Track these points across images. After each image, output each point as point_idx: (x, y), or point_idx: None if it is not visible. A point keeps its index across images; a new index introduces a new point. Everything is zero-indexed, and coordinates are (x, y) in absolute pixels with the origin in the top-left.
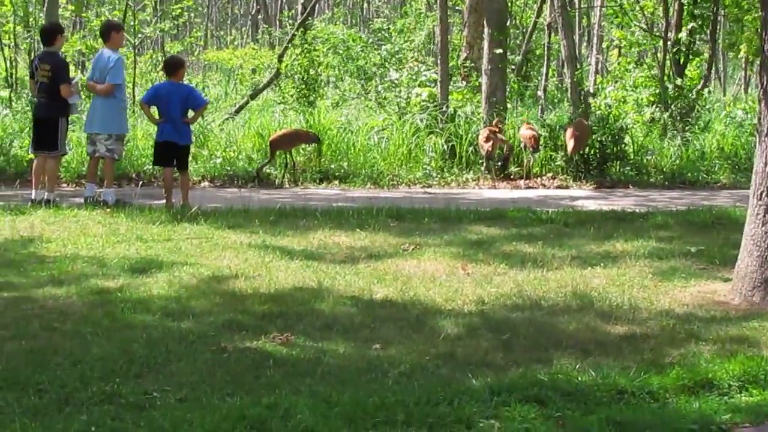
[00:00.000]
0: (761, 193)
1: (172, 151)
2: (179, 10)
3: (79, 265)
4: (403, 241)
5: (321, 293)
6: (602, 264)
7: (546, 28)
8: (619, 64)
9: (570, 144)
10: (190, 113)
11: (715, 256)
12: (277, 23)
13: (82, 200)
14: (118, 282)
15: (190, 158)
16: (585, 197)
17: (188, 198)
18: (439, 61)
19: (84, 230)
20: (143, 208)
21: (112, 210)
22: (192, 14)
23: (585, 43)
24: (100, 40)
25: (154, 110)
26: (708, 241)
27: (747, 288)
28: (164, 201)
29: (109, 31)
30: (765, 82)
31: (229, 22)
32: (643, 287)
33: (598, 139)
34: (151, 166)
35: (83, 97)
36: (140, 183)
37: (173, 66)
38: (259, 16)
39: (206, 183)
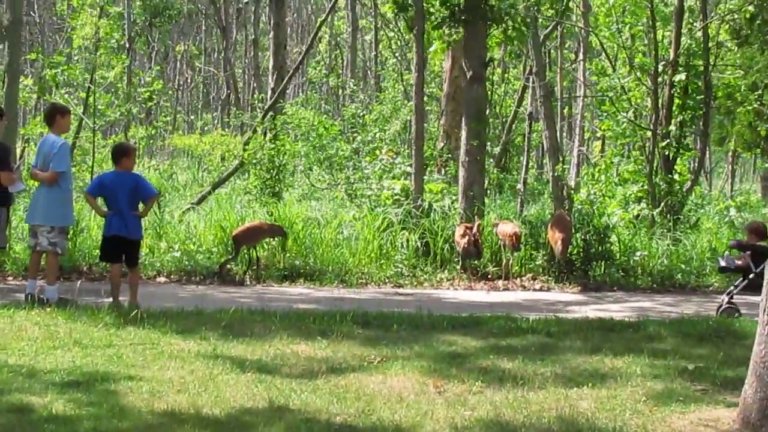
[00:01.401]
0: None
1: (120, 246)
2: (147, 94)
3: (4, 376)
4: (368, 352)
5: (272, 416)
6: (590, 383)
7: (527, 117)
8: (602, 156)
9: (558, 248)
10: (141, 205)
11: (715, 376)
12: (249, 107)
13: (23, 296)
14: (45, 398)
15: (141, 253)
16: (569, 302)
17: (137, 297)
18: (413, 152)
19: (18, 333)
20: (87, 307)
21: (52, 309)
22: (161, 98)
23: (566, 134)
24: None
25: (101, 202)
26: (707, 356)
27: (756, 417)
28: (111, 299)
29: (54, 115)
30: None
31: (200, 106)
32: (636, 413)
33: (582, 237)
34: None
35: (26, 185)
36: (91, 278)
37: (118, 154)
38: (230, 101)
39: (162, 278)
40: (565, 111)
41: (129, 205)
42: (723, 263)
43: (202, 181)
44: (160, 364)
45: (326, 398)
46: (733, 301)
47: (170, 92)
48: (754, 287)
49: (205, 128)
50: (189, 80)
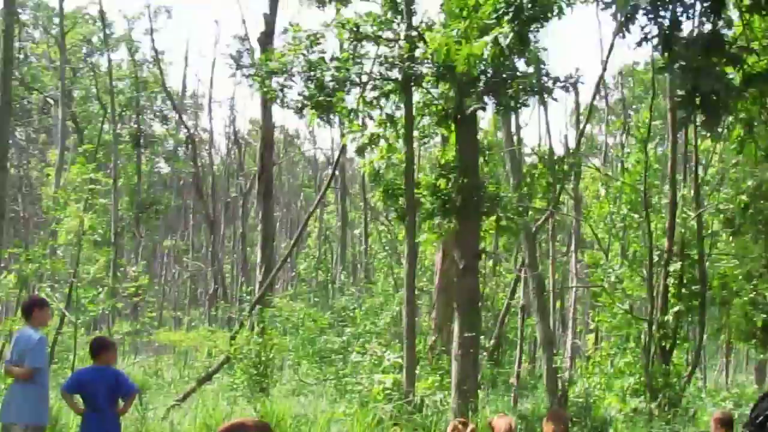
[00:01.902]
0: None
1: None
2: (133, 289)
3: None
4: None
5: None
6: None
7: (519, 311)
8: (597, 349)
9: None
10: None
11: None
12: (237, 300)
13: None
14: None
15: None
16: None
17: None
18: (405, 345)
19: None
20: None
21: None
22: (148, 293)
23: (559, 327)
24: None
25: (78, 399)
26: None
27: None
28: None
29: (32, 308)
30: None
31: (186, 302)
32: None
33: None
34: None
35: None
36: None
37: (98, 348)
38: (218, 295)
39: None
40: (558, 304)
41: (108, 402)
42: None
43: (189, 378)
44: None
45: None
46: None
47: (156, 287)
48: None
49: (192, 324)
50: (176, 275)
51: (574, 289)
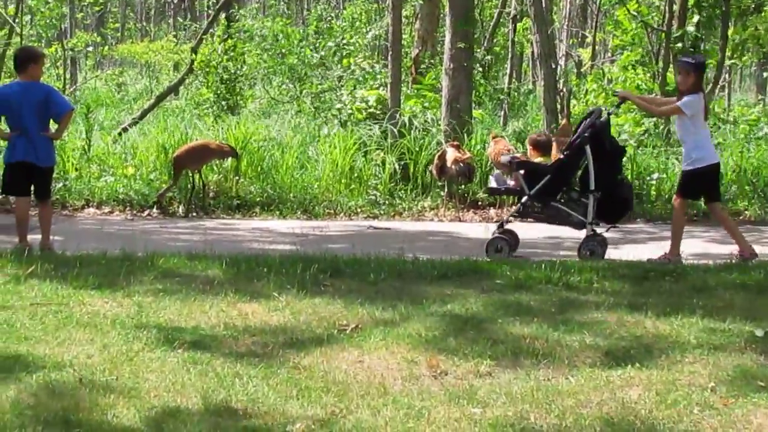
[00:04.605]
0: None
1: (28, 175)
2: None
3: None
4: (339, 315)
5: (204, 420)
6: (634, 360)
7: (511, 21)
8: (593, 66)
9: None
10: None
11: None
12: (204, 14)
13: None
14: None
15: (53, 184)
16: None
17: (50, 238)
18: (390, 58)
19: None
20: None
21: None
22: (109, 4)
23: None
24: None
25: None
26: None
27: None
28: (16, 240)
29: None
30: None
31: (153, 13)
32: (707, 408)
33: None
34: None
35: None
36: None
37: (24, 60)
38: (183, 6)
39: (92, 209)
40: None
41: (38, 124)
42: (492, 183)
43: (157, 92)
44: (63, 335)
45: (282, 390)
46: (506, 230)
47: None
48: (529, 213)
49: (159, 36)
50: None
51: None
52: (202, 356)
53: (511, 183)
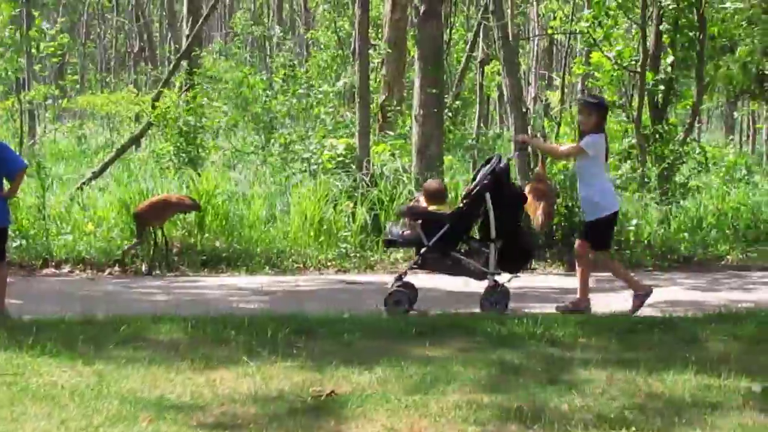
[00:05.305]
0: None
1: None
2: (51, 49)
3: None
4: (313, 380)
5: None
6: (629, 422)
7: (479, 65)
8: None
9: (539, 219)
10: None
11: None
12: (165, 62)
13: None
14: None
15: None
16: (561, 288)
17: (5, 302)
18: (358, 106)
19: None
20: None
21: None
22: (69, 56)
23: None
24: None
25: None
26: None
27: None
28: None
29: None
30: None
31: (113, 64)
32: None
33: (564, 203)
34: None
35: None
36: None
37: None
38: (144, 56)
39: (51, 269)
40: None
41: None
42: (389, 235)
43: (118, 144)
44: (18, 409)
45: None
46: (405, 283)
47: (79, 48)
48: (428, 264)
49: (119, 87)
50: (102, 34)
51: (536, 39)
52: (168, 430)
53: (406, 233)
